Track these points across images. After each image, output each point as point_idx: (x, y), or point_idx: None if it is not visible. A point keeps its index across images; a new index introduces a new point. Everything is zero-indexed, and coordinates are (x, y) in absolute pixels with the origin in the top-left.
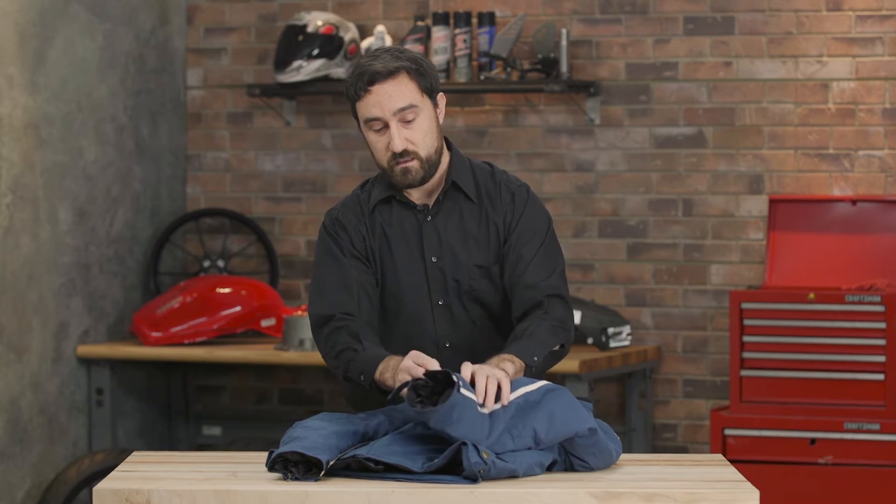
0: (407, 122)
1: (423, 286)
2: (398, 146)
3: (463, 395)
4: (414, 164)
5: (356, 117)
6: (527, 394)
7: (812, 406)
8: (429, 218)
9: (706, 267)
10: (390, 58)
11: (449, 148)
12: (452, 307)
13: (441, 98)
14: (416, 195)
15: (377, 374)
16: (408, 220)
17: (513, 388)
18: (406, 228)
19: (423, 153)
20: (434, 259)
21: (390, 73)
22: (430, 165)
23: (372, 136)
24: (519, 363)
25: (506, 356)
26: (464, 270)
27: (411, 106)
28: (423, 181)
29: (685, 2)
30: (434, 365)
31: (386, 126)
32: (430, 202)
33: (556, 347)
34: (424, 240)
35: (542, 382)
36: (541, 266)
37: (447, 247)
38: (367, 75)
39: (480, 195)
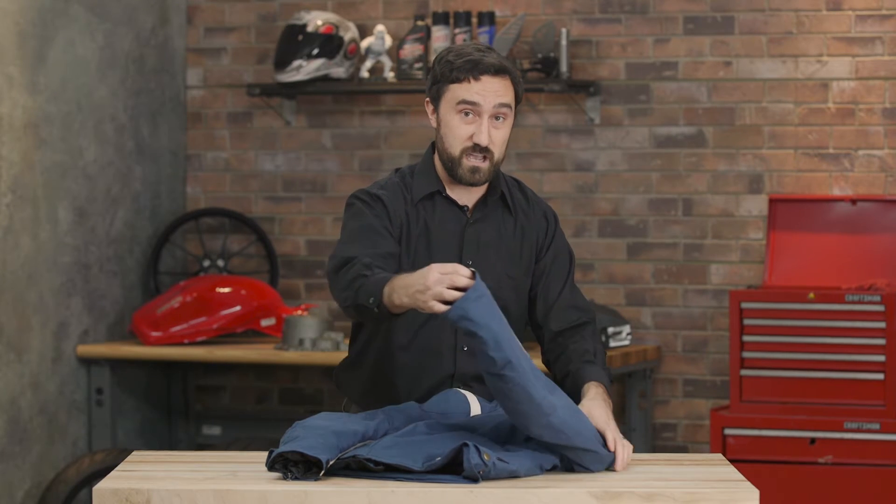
0: (496, 122)
1: None
2: (484, 140)
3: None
4: (486, 164)
5: (437, 97)
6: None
7: (812, 406)
8: (472, 221)
9: (706, 267)
10: (500, 57)
11: None
12: None
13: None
14: (459, 193)
15: (384, 297)
16: (452, 218)
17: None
18: (449, 226)
19: (496, 156)
20: (469, 262)
21: (502, 70)
22: (495, 172)
23: (457, 121)
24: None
25: (603, 392)
26: (495, 277)
27: (508, 106)
28: (482, 183)
29: (685, 2)
30: (464, 271)
31: (477, 116)
32: (471, 203)
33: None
34: (465, 242)
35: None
36: (574, 287)
37: (484, 251)
38: (482, 65)
39: (516, 207)
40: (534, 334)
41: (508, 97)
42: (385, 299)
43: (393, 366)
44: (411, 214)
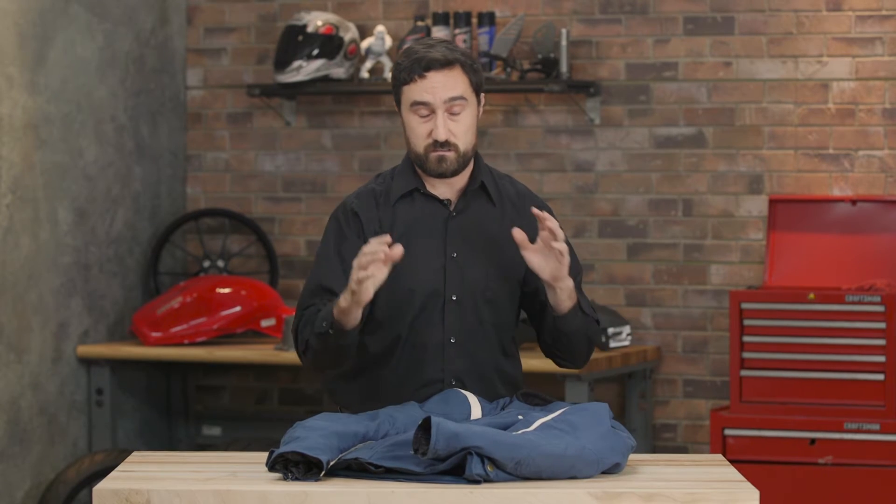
0: (453, 115)
1: (439, 279)
2: (442, 135)
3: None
4: (451, 154)
5: (398, 100)
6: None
7: (812, 406)
8: (454, 214)
9: (706, 267)
10: (447, 49)
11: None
12: (464, 304)
13: (483, 97)
14: (440, 189)
15: (335, 314)
16: (433, 213)
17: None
18: (430, 221)
19: (461, 147)
20: (455, 255)
21: (447, 63)
22: (465, 160)
23: (414, 121)
24: (574, 296)
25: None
26: (481, 269)
27: (461, 98)
28: (454, 174)
29: (685, 2)
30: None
31: (432, 113)
32: (454, 198)
33: (592, 330)
34: (448, 234)
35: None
36: (581, 294)
37: (468, 244)
38: (425, 61)
39: (503, 200)
40: (533, 326)
41: (460, 88)
42: (336, 315)
43: (383, 367)
44: (385, 218)
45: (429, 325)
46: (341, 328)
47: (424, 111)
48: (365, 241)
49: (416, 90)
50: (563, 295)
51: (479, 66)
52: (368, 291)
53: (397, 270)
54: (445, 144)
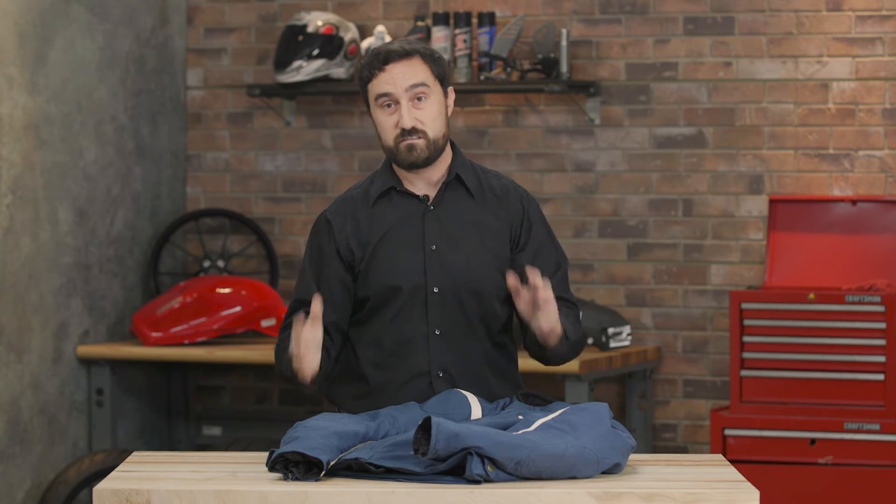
0: (417, 102)
1: (419, 273)
2: (407, 122)
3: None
4: (420, 142)
5: (367, 101)
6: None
7: (812, 406)
8: (431, 207)
9: (706, 267)
10: (405, 42)
11: (452, 147)
12: (447, 296)
13: (451, 91)
14: (418, 186)
15: (293, 365)
16: (409, 208)
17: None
18: (407, 217)
19: (430, 134)
20: (434, 247)
21: (406, 54)
22: (436, 148)
23: (381, 115)
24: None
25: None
26: (462, 261)
27: (423, 84)
28: (427, 162)
29: (685, 2)
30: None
31: (396, 104)
32: (432, 193)
33: (579, 346)
34: (426, 228)
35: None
36: (564, 288)
37: (447, 236)
38: (383, 55)
39: (483, 192)
40: (519, 321)
41: (421, 76)
42: (293, 366)
43: (370, 363)
44: (364, 220)
45: (413, 319)
46: (303, 381)
47: (389, 102)
48: (337, 247)
49: (379, 83)
50: (552, 340)
51: (442, 58)
52: (314, 361)
53: (380, 269)
54: (413, 132)
